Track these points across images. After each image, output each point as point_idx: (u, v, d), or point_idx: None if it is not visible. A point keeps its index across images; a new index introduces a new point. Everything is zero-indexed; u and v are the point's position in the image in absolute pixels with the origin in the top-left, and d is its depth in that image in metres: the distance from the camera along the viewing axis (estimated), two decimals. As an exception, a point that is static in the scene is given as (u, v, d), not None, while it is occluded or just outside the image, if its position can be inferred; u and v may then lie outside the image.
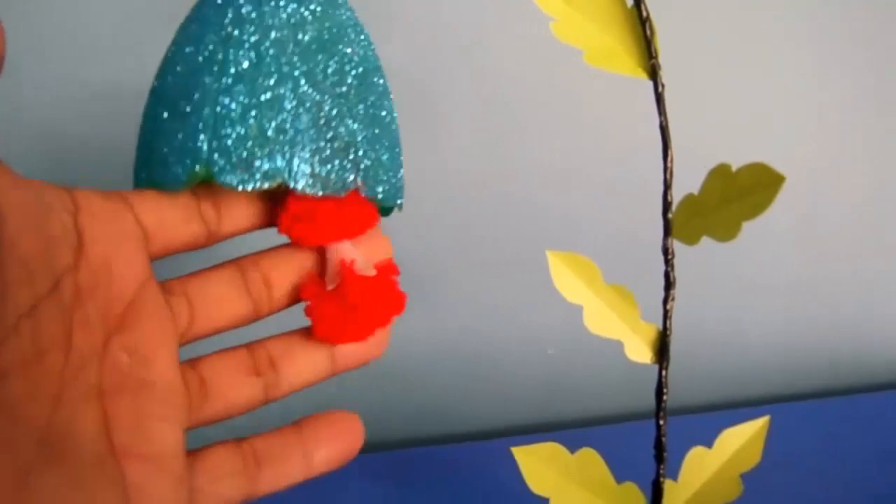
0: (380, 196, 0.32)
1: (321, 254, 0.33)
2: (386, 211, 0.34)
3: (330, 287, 0.31)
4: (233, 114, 0.28)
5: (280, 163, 0.28)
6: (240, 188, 0.28)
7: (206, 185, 0.30)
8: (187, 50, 0.29)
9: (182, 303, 0.30)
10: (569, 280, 0.37)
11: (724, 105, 0.63)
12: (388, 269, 0.32)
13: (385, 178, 0.32)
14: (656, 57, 0.37)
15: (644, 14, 0.37)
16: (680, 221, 0.36)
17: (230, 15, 0.29)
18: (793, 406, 0.65)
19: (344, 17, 0.32)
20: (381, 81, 0.33)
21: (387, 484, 0.53)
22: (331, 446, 0.32)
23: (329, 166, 0.30)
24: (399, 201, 0.34)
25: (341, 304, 0.31)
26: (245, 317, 0.32)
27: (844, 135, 0.67)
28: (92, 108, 0.54)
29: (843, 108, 0.66)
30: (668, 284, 0.37)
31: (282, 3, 0.29)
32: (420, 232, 0.61)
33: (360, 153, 0.31)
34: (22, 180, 0.25)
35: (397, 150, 0.34)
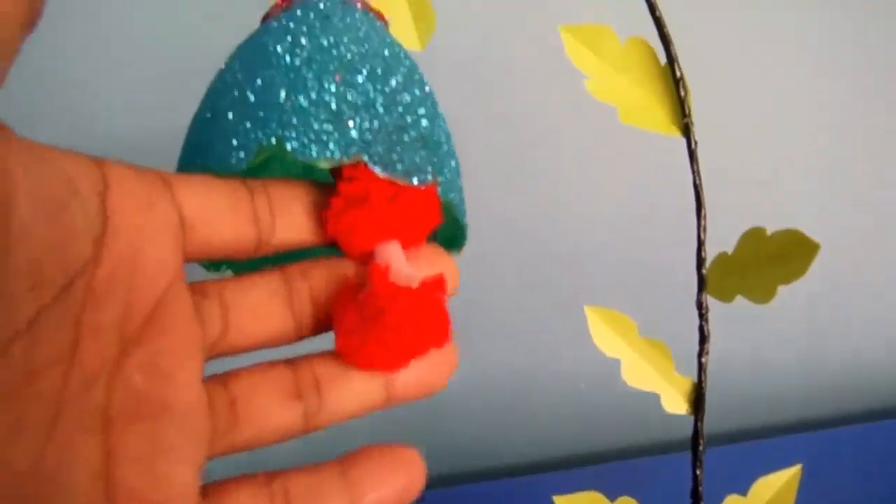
0: (454, 202, 0.28)
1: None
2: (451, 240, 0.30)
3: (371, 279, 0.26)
4: (308, 84, 0.25)
5: (355, 135, 0.25)
6: (317, 158, 0.25)
7: (262, 182, 0.26)
8: (253, 41, 0.28)
9: (215, 308, 0.25)
10: (607, 335, 0.37)
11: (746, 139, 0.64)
12: (435, 286, 0.26)
13: (456, 189, 0.29)
14: (689, 115, 0.38)
15: (678, 74, 0.37)
16: (714, 278, 0.37)
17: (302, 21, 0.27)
18: (815, 436, 0.65)
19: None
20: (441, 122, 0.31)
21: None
22: (384, 489, 0.25)
23: (406, 153, 0.26)
24: (464, 221, 0.29)
25: (366, 316, 0.25)
26: (285, 335, 0.26)
27: (863, 166, 0.68)
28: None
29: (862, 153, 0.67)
30: (703, 338, 0.38)
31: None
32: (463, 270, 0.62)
33: (435, 151, 0.27)
34: (39, 150, 0.20)
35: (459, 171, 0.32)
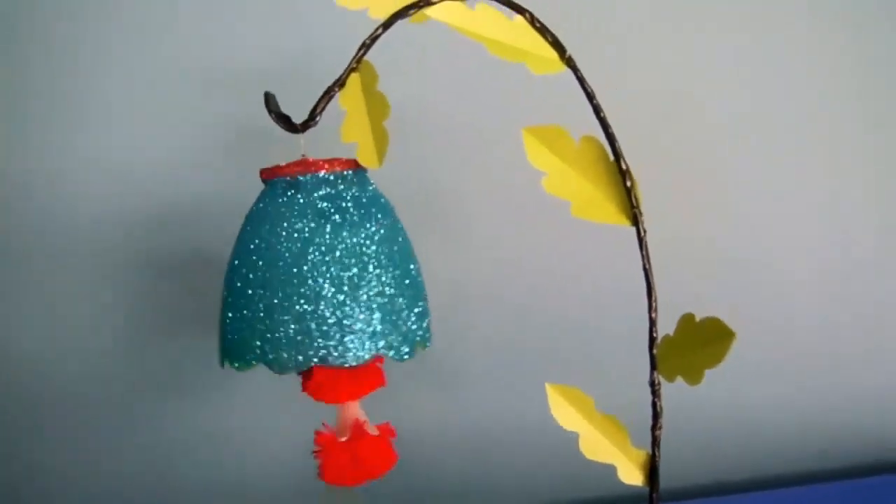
0: (405, 356, 0.38)
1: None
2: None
3: (341, 438, 0.37)
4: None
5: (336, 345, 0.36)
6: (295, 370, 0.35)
7: None
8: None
9: None
10: (565, 410, 0.41)
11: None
12: (387, 432, 0.39)
13: (410, 339, 0.38)
14: (637, 206, 0.41)
15: (624, 167, 0.41)
16: (661, 358, 0.39)
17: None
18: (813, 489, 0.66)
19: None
20: (402, 257, 0.40)
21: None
22: None
23: (371, 343, 0.36)
24: (424, 346, 0.40)
25: (351, 455, 0.37)
26: None
27: (856, 216, 0.69)
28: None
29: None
30: (656, 414, 0.40)
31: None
32: (451, 330, 0.67)
33: (383, 331, 0.37)
34: None
35: (422, 304, 0.40)
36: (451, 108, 0.64)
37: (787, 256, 0.71)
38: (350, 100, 0.41)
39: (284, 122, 0.41)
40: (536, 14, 0.41)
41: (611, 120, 0.41)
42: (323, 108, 0.41)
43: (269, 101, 0.42)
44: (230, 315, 0.37)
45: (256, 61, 0.63)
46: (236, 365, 0.37)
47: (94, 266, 0.63)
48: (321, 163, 0.40)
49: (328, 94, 0.41)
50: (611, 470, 0.68)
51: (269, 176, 0.40)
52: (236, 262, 0.38)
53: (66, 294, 0.63)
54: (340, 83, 0.41)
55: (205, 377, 0.65)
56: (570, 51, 0.41)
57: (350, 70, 0.41)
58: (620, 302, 0.60)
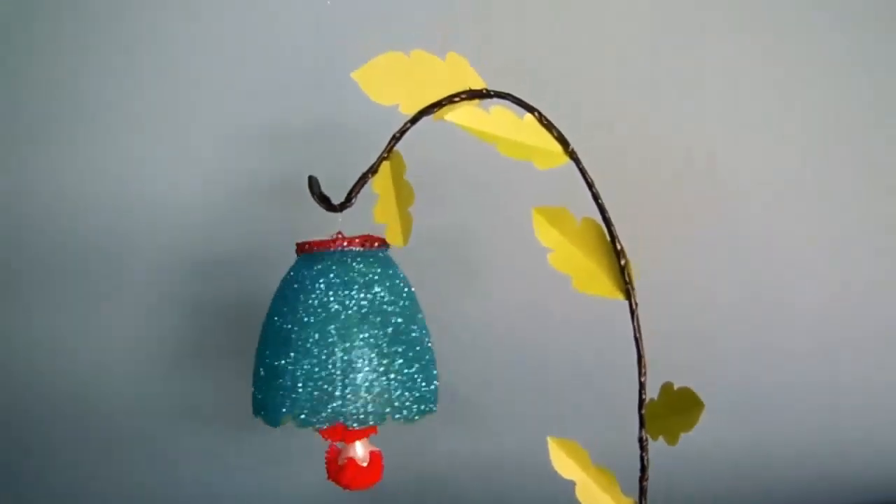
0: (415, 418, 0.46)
1: None
2: None
3: (341, 462, 0.46)
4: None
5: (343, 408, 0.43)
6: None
7: None
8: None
9: None
10: (564, 461, 0.46)
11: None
12: (376, 457, 0.47)
13: (412, 406, 0.45)
14: (630, 282, 0.46)
15: (618, 247, 0.46)
16: (648, 419, 0.45)
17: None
18: None
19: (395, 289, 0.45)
20: (416, 328, 0.46)
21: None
22: None
23: (371, 407, 0.43)
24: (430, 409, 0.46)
25: (345, 476, 0.46)
26: None
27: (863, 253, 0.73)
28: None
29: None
30: (643, 468, 0.45)
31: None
32: (476, 372, 0.73)
33: (395, 396, 0.44)
34: None
35: (428, 370, 0.46)
36: (476, 166, 0.70)
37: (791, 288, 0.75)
38: (381, 186, 0.48)
39: (325, 203, 0.48)
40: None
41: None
42: (358, 192, 0.47)
43: (313, 184, 0.48)
44: (261, 373, 0.44)
45: (299, 124, 0.70)
46: (265, 417, 0.44)
47: (135, 299, 0.71)
48: (354, 240, 0.46)
49: (363, 180, 0.47)
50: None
51: (303, 251, 0.47)
52: (268, 326, 0.45)
53: (104, 323, 0.71)
54: (373, 170, 0.48)
55: (225, 409, 0.72)
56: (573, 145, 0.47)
57: (381, 159, 0.47)
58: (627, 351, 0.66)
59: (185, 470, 0.72)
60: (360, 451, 0.47)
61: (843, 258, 0.75)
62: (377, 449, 0.47)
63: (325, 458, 0.47)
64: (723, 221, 0.75)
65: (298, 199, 0.68)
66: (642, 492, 0.45)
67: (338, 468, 0.47)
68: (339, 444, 0.47)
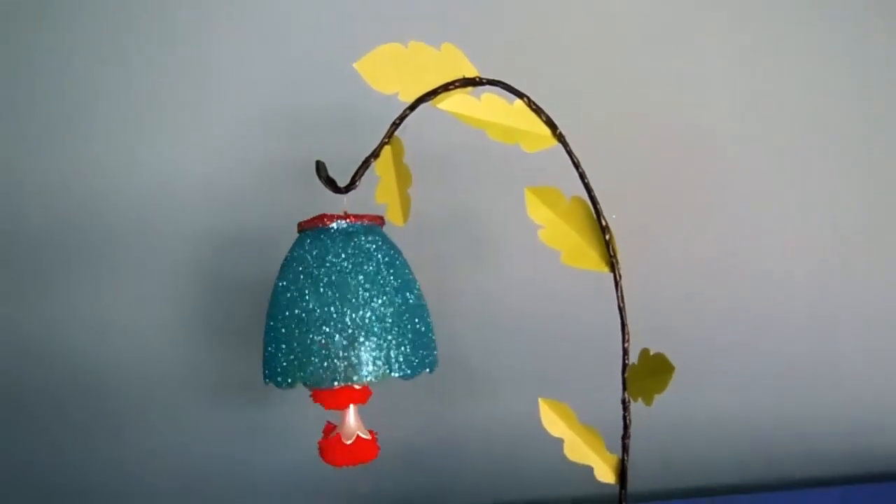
0: (408, 375, 0.48)
1: None
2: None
3: (340, 434, 0.49)
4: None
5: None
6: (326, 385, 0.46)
7: None
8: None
9: None
10: (553, 420, 0.50)
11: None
12: (373, 434, 0.50)
13: (412, 361, 0.48)
14: (615, 255, 0.50)
15: (604, 224, 0.50)
16: (630, 382, 0.48)
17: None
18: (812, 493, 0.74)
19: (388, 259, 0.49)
20: (413, 295, 0.49)
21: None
22: None
23: (373, 367, 0.46)
24: (427, 370, 0.50)
25: (339, 452, 0.49)
26: None
27: (850, 235, 0.75)
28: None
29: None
30: (626, 426, 0.49)
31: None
32: (484, 343, 0.77)
33: (393, 355, 0.47)
34: None
35: (426, 331, 0.50)
36: (486, 150, 0.74)
37: (783, 265, 0.77)
38: (383, 168, 0.51)
39: (331, 185, 0.51)
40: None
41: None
42: (361, 175, 0.51)
43: (320, 168, 0.52)
44: (269, 342, 0.48)
45: (315, 111, 0.74)
46: (277, 382, 0.48)
47: (157, 278, 0.76)
48: (356, 217, 0.50)
49: (366, 164, 0.51)
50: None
51: (305, 227, 0.51)
52: (274, 298, 0.49)
53: (131, 302, 0.76)
54: (375, 154, 0.51)
55: (248, 379, 0.77)
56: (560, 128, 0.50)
57: (383, 144, 0.51)
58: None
59: (199, 438, 0.77)
60: (351, 420, 0.50)
61: (836, 226, 0.78)
62: (371, 433, 0.51)
63: (322, 436, 0.51)
64: (716, 191, 0.77)
65: (311, 182, 0.72)
66: (625, 449, 0.49)
67: (329, 445, 0.50)
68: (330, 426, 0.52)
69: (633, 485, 0.78)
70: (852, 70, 0.77)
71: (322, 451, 0.50)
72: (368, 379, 0.46)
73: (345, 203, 0.53)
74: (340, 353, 0.45)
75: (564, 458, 0.75)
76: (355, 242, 0.48)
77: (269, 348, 0.48)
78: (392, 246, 0.50)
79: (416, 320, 0.49)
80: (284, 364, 0.46)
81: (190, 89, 0.74)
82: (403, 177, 0.51)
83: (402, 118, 0.51)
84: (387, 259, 0.49)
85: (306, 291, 0.47)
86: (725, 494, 0.77)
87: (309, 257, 0.48)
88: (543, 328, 0.76)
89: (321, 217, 0.49)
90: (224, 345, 0.76)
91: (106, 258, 0.75)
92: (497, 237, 0.77)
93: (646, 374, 0.46)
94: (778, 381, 0.79)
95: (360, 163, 0.50)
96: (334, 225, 0.49)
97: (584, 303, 0.74)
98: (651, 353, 0.46)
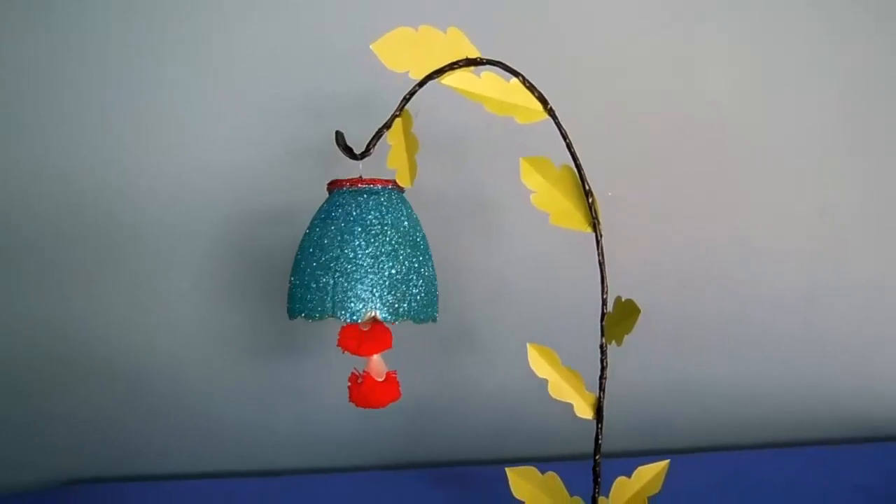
0: (426, 320, 0.55)
1: None
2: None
3: (372, 376, 0.55)
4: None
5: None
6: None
7: None
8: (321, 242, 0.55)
9: None
10: (539, 362, 0.56)
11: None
12: (392, 375, 0.56)
13: (425, 309, 0.55)
14: (596, 217, 0.56)
15: (587, 188, 0.56)
16: (607, 328, 0.55)
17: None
18: (796, 451, 0.80)
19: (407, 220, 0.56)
20: (420, 250, 0.56)
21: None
22: None
23: (395, 308, 0.53)
24: (432, 317, 0.56)
25: (366, 394, 0.55)
26: None
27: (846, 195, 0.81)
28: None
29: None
30: (603, 368, 0.55)
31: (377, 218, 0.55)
32: (491, 312, 0.83)
33: (411, 296, 0.54)
34: None
35: (433, 288, 0.56)
36: (495, 132, 0.80)
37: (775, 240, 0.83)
38: (394, 138, 0.58)
39: (349, 153, 0.58)
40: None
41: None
42: (375, 144, 0.58)
43: (339, 137, 0.59)
44: (295, 280, 0.55)
45: (334, 97, 0.81)
46: (301, 316, 0.54)
47: (189, 249, 0.83)
48: (371, 180, 0.57)
49: (379, 134, 0.58)
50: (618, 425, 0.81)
51: (333, 187, 0.58)
52: (302, 244, 0.56)
53: (158, 273, 0.83)
54: (388, 126, 0.58)
55: (277, 342, 0.84)
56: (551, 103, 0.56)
57: (394, 117, 0.58)
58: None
59: (222, 397, 0.85)
60: (376, 366, 0.57)
61: (829, 193, 0.83)
62: (393, 371, 0.57)
63: (348, 384, 0.56)
64: (712, 169, 0.83)
65: (329, 159, 0.79)
66: (601, 387, 0.56)
67: (357, 386, 0.56)
68: (357, 372, 0.57)
69: (630, 444, 0.84)
70: (841, 48, 0.82)
71: (355, 394, 0.55)
72: (384, 317, 0.52)
73: (360, 169, 0.60)
74: (363, 296, 0.52)
75: (561, 418, 0.81)
76: (385, 200, 0.55)
77: (296, 285, 0.54)
78: (411, 209, 0.57)
79: (427, 274, 0.56)
80: (310, 299, 0.53)
81: (212, 79, 0.82)
82: (412, 145, 0.57)
83: (411, 93, 0.57)
84: (409, 218, 0.56)
85: (335, 237, 0.53)
86: (716, 451, 0.83)
87: (343, 210, 0.55)
88: (544, 299, 0.82)
89: (358, 179, 0.56)
90: (249, 311, 0.83)
91: (143, 233, 0.82)
92: (503, 216, 0.83)
93: (619, 319, 0.53)
94: (767, 350, 0.85)
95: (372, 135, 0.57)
96: (368, 186, 0.56)
97: (584, 276, 0.80)
98: (623, 300, 0.52)
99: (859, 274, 0.85)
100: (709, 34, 0.83)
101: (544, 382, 0.80)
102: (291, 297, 0.56)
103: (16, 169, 0.79)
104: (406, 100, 0.58)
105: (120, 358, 0.83)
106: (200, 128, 0.81)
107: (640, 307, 0.51)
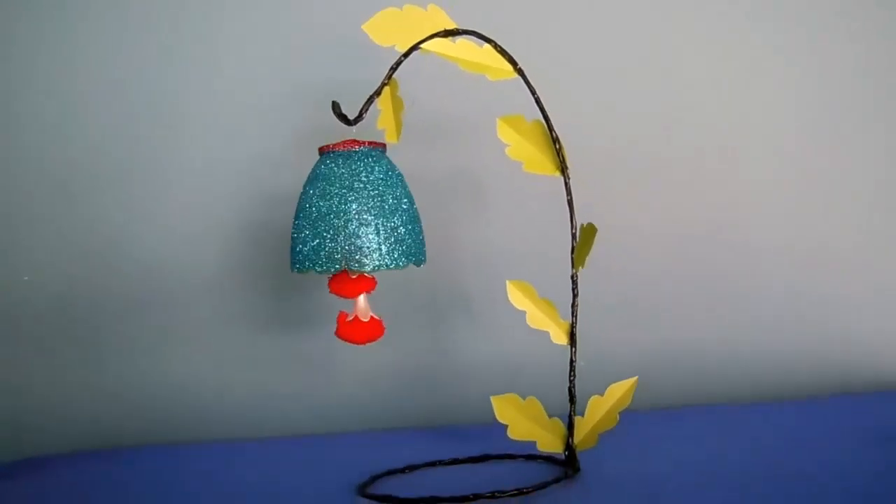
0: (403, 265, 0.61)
1: None
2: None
3: (358, 315, 0.61)
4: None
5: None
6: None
7: None
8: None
9: None
10: (517, 296, 0.62)
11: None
12: (376, 317, 0.62)
13: (401, 256, 0.61)
14: (564, 161, 0.62)
15: (554, 136, 0.62)
16: (576, 256, 0.60)
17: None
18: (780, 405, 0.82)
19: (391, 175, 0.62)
20: (407, 202, 0.62)
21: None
22: None
23: (367, 259, 0.59)
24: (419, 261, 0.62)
25: (353, 329, 0.61)
26: None
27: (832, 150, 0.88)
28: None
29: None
30: (574, 296, 0.61)
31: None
32: (482, 278, 0.89)
33: (397, 242, 0.60)
34: None
35: (418, 232, 0.62)
36: (475, 113, 0.87)
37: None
38: (383, 103, 0.65)
39: (344, 119, 0.66)
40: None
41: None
42: (367, 109, 0.65)
43: (335, 106, 0.66)
44: (294, 236, 0.61)
45: (333, 81, 0.89)
46: (297, 270, 0.60)
47: (208, 226, 0.89)
48: (355, 142, 0.64)
49: (370, 100, 0.65)
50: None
51: (324, 150, 0.64)
52: (298, 204, 0.62)
53: (182, 247, 0.90)
54: (378, 93, 0.65)
55: (295, 310, 0.90)
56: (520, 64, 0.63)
57: (383, 84, 0.65)
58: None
59: (235, 368, 0.90)
60: (362, 306, 0.63)
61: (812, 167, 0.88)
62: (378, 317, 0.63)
63: (337, 320, 0.62)
64: (701, 141, 0.89)
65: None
66: (573, 313, 0.61)
67: (346, 324, 0.61)
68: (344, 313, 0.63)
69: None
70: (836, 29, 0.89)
71: (343, 331, 0.61)
72: (371, 267, 0.58)
73: (354, 132, 0.67)
74: (356, 244, 0.58)
75: (554, 381, 0.85)
76: (375, 161, 0.61)
77: (296, 241, 0.61)
78: (393, 164, 0.64)
79: (412, 226, 0.61)
80: (306, 251, 0.59)
81: (241, 75, 0.91)
82: (398, 107, 0.65)
83: (397, 63, 0.65)
84: (390, 172, 0.62)
85: (329, 193, 0.59)
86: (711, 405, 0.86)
87: (336, 169, 0.61)
88: (534, 268, 0.87)
89: (351, 141, 0.63)
90: (261, 287, 0.90)
91: (161, 208, 0.89)
92: (493, 190, 0.90)
93: (582, 244, 0.58)
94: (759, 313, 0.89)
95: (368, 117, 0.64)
96: (359, 148, 0.62)
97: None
98: (584, 225, 0.58)
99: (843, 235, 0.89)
100: (693, 19, 0.90)
101: (534, 344, 0.85)
102: (291, 253, 0.62)
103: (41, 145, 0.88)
104: (393, 69, 0.65)
105: (136, 328, 0.89)
106: (229, 119, 0.90)
107: (595, 227, 0.56)
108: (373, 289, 0.63)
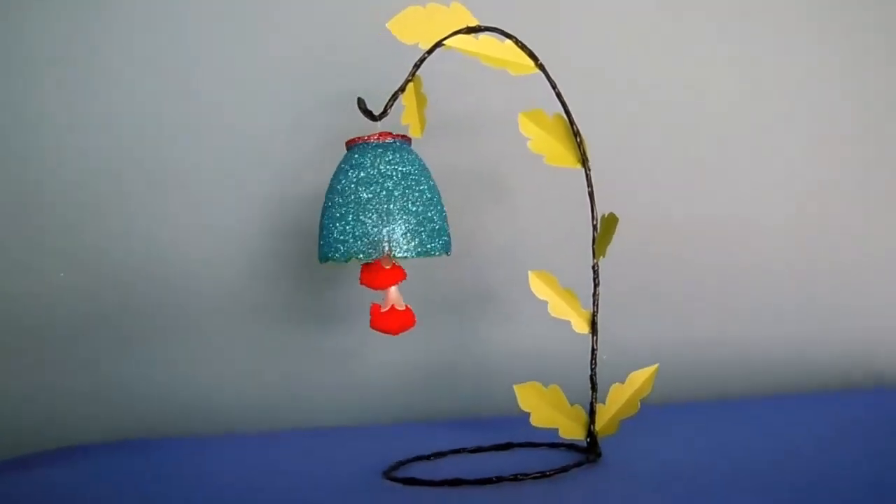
0: (436, 253, 0.63)
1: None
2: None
3: (384, 309, 0.62)
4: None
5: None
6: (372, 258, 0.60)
7: None
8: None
9: None
10: (540, 286, 0.63)
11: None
12: (409, 309, 0.63)
13: (434, 243, 0.63)
14: (584, 154, 0.63)
15: (575, 130, 0.63)
16: (597, 247, 0.61)
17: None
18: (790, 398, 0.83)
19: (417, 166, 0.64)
20: (433, 196, 0.64)
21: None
22: None
23: (409, 245, 0.60)
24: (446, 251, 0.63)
25: (387, 319, 0.62)
26: None
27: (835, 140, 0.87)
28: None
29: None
30: (595, 286, 0.62)
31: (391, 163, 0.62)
32: (507, 274, 0.90)
33: (425, 233, 0.61)
34: None
35: (443, 225, 0.64)
36: (501, 113, 0.88)
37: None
38: (407, 99, 0.67)
39: (369, 115, 0.67)
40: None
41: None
42: (391, 105, 0.67)
43: (360, 102, 0.68)
44: (330, 226, 0.63)
45: (356, 81, 0.91)
46: (328, 258, 0.62)
47: (230, 221, 0.92)
48: (388, 134, 0.65)
49: (394, 96, 0.67)
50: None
51: (354, 142, 0.66)
52: (334, 193, 0.64)
53: (213, 235, 0.92)
54: (402, 89, 0.67)
55: (323, 306, 0.92)
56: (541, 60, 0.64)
57: (407, 81, 0.67)
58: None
59: (265, 361, 0.93)
60: (394, 297, 0.64)
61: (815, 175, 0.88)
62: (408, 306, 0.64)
63: (370, 312, 0.63)
64: (703, 142, 0.89)
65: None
66: (594, 302, 0.62)
67: (380, 315, 0.63)
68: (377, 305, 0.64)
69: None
70: (833, 24, 0.89)
71: (378, 321, 0.62)
72: (404, 255, 0.59)
73: (378, 128, 0.69)
74: (383, 234, 0.60)
75: (575, 372, 0.86)
76: (407, 153, 0.63)
77: (325, 231, 0.62)
78: (418, 157, 0.65)
79: (437, 216, 0.63)
80: (346, 239, 0.61)
81: (267, 73, 0.93)
82: (421, 102, 0.66)
83: (421, 60, 0.66)
84: (416, 164, 0.63)
85: (371, 181, 0.61)
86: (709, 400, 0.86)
87: (375, 159, 0.62)
88: (556, 258, 0.88)
89: (385, 133, 0.64)
90: (289, 284, 0.92)
91: (186, 202, 0.92)
92: (515, 184, 0.92)
93: (603, 234, 0.59)
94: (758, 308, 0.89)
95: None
96: (389, 140, 0.64)
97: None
98: (605, 215, 0.59)
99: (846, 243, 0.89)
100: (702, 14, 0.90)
101: (553, 337, 0.85)
102: (319, 244, 0.64)
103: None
104: (417, 66, 0.67)
105: (177, 319, 0.92)
106: (256, 118, 0.92)
107: (617, 216, 0.57)
108: (404, 279, 0.64)
